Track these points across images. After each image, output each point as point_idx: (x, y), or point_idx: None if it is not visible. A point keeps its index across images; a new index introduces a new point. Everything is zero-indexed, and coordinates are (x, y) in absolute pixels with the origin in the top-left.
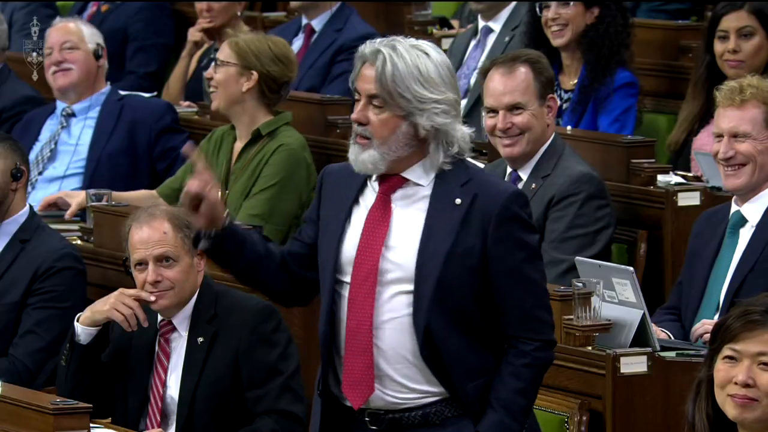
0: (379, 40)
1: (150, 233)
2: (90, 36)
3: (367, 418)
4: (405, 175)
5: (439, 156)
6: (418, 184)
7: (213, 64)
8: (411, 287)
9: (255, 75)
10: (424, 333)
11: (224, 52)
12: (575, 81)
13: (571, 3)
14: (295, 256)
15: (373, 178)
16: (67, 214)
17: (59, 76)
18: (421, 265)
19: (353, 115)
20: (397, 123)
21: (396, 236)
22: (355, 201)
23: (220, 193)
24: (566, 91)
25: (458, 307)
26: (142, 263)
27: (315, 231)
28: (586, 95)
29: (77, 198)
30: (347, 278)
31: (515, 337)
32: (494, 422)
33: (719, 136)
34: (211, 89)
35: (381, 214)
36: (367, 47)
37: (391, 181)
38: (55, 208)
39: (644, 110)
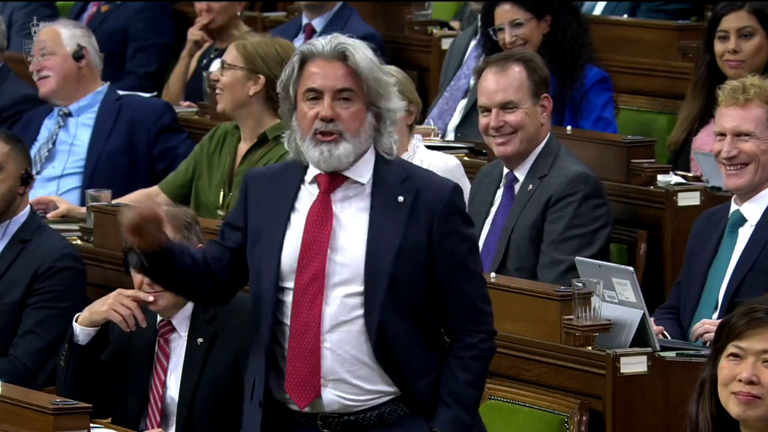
0: (322, 38)
1: None
2: (69, 38)
3: (319, 422)
4: (347, 173)
5: (389, 140)
6: (358, 182)
7: (219, 66)
8: (360, 288)
9: (262, 79)
10: (377, 333)
11: (231, 55)
12: None
13: (525, 22)
14: (217, 260)
15: (309, 180)
16: (49, 215)
17: (40, 84)
18: (370, 264)
19: (323, 112)
20: (365, 114)
21: (340, 237)
22: (292, 208)
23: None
24: None
25: (409, 305)
26: None
27: (241, 238)
28: (561, 103)
29: (66, 205)
30: (289, 284)
31: (461, 329)
32: (449, 417)
33: (721, 134)
34: (217, 91)
35: (322, 215)
36: (324, 46)
37: (334, 180)
38: (44, 208)
39: (644, 110)
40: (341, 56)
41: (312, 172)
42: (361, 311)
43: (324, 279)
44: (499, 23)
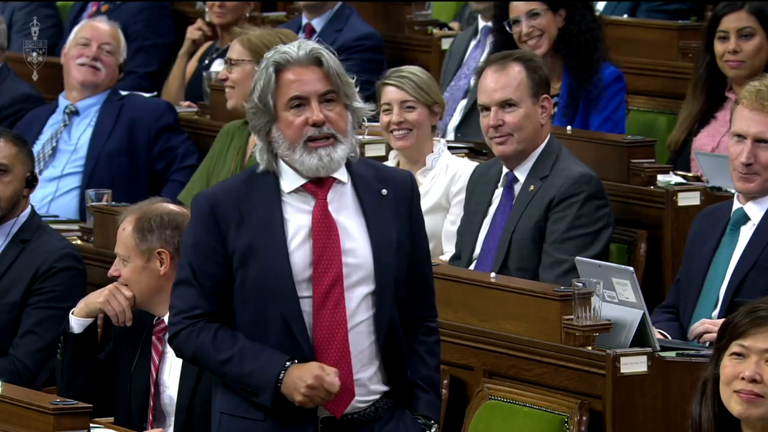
0: (290, 46)
1: (119, 228)
2: (123, 49)
3: (320, 424)
4: (334, 174)
5: (354, 140)
6: (341, 182)
7: (225, 65)
8: (373, 286)
9: None
10: (388, 328)
11: (236, 51)
12: (559, 85)
13: (542, 12)
14: (224, 311)
15: (288, 190)
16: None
17: (88, 71)
18: (378, 261)
19: (314, 117)
20: (346, 113)
21: (345, 239)
22: (283, 219)
23: None
24: (552, 96)
25: (401, 296)
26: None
27: (221, 265)
28: (575, 98)
29: None
30: (305, 293)
31: (423, 316)
32: (428, 401)
33: (740, 136)
34: (227, 89)
35: (327, 222)
36: (297, 52)
37: (324, 185)
38: None
39: (644, 110)
40: (317, 61)
41: (292, 181)
42: (373, 310)
43: (343, 283)
44: (514, 15)
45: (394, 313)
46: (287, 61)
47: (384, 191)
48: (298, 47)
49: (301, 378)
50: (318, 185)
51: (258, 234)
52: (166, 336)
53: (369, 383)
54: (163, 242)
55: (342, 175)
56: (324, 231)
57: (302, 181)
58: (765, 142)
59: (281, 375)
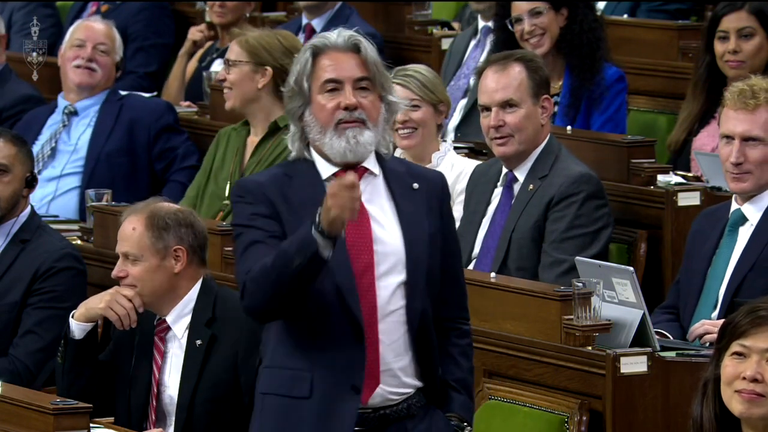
0: (331, 32)
1: (124, 228)
2: (119, 47)
3: None
4: (365, 164)
5: (387, 137)
6: (373, 173)
7: (223, 65)
8: (403, 276)
9: (269, 70)
10: (420, 320)
11: (234, 52)
12: (560, 84)
13: (544, 11)
14: None
15: (325, 176)
16: None
17: (84, 73)
18: (410, 251)
19: (346, 101)
20: (380, 104)
21: (376, 228)
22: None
23: None
24: (552, 95)
25: (435, 291)
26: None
27: (281, 229)
28: (577, 97)
29: None
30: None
31: (456, 317)
32: (463, 403)
33: (728, 137)
34: (225, 90)
35: (359, 210)
36: (336, 38)
37: (357, 172)
38: None
39: (644, 110)
40: (355, 48)
41: (325, 169)
42: (405, 300)
43: (374, 271)
44: (516, 14)
45: (426, 305)
46: (325, 45)
47: (415, 185)
48: (338, 34)
49: (327, 197)
50: (354, 172)
51: (307, 213)
52: (168, 335)
53: (402, 374)
54: (179, 239)
55: (374, 166)
56: (356, 219)
57: (334, 169)
58: (752, 140)
59: (316, 218)
